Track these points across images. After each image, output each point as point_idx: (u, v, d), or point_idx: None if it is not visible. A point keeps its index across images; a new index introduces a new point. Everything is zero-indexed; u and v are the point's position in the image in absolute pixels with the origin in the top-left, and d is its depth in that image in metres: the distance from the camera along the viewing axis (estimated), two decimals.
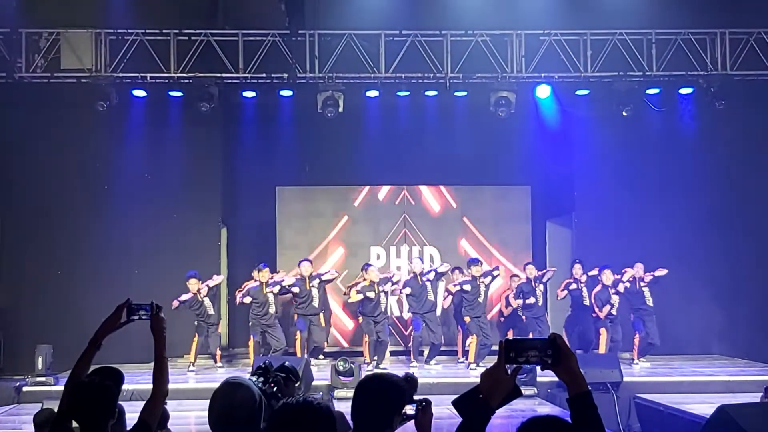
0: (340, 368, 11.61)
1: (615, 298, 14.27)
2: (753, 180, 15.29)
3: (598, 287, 14.34)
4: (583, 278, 14.70)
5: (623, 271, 14.47)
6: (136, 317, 4.14)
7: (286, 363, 4.81)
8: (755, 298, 14.94)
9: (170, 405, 5.75)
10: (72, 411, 4.02)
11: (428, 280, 14.51)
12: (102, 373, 4.55)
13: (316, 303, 14.37)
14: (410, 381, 3.91)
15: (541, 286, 14.84)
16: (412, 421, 3.45)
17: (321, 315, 14.57)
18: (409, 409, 3.42)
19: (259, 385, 4.10)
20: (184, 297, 13.93)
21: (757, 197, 15.19)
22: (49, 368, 12.47)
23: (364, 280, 14.25)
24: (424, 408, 3.47)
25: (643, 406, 11.58)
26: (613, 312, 14.25)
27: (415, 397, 3.51)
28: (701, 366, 14.30)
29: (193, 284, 14.03)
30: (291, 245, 16.20)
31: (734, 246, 15.36)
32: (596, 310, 14.26)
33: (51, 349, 12.55)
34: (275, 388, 4.22)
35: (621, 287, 14.32)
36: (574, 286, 14.72)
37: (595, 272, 14.55)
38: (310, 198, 16.45)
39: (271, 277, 14.34)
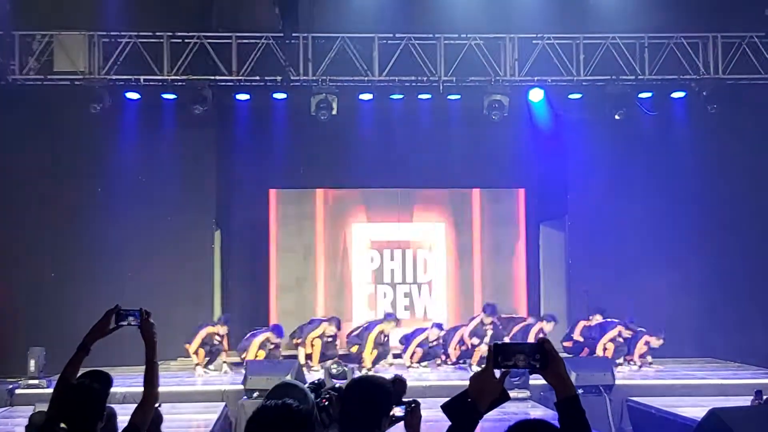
0: (334, 371, 11.61)
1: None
2: (745, 182, 15.35)
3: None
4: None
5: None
6: (125, 323, 4.15)
7: (337, 384, 4.85)
8: (747, 301, 14.99)
9: (164, 408, 5.76)
10: (61, 413, 4.05)
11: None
12: (91, 376, 4.57)
13: None
14: (399, 383, 3.94)
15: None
16: (402, 422, 3.47)
17: None
18: (398, 411, 3.43)
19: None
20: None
21: (749, 200, 15.25)
22: (42, 371, 12.45)
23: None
24: (413, 409, 3.50)
25: (636, 408, 11.61)
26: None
27: (404, 399, 3.53)
28: (693, 369, 14.34)
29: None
30: (284, 247, 16.21)
31: (727, 248, 15.40)
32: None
33: (44, 352, 12.53)
34: (326, 403, 4.25)
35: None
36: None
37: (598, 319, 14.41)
38: (303, 200, 16.46)
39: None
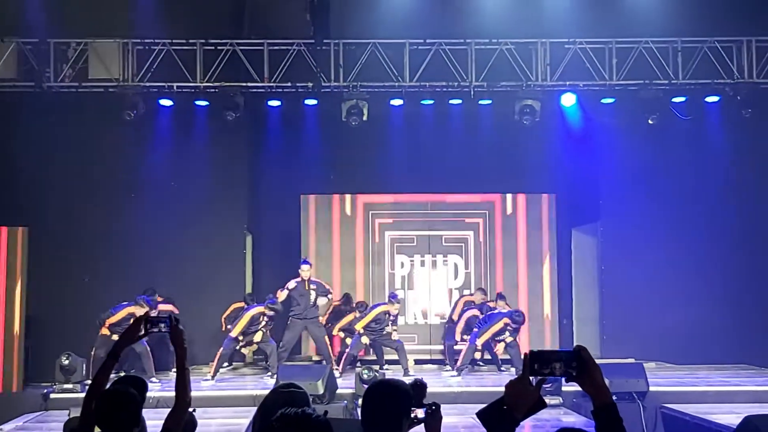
0: (365, 377, 11.61)
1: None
2: None
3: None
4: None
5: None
6: (155, 330, 4.17)
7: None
8: None
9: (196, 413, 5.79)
10: (98, 419, 4.09)
11: None
12: (126, 382, 4.62)
13: None
14: (419, 386, 4.01)
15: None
16: (422, 424, 3.53)
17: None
18: (420, 413, 3.50)
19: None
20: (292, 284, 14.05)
21: None
22: (75, 374, 12.52)
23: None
24: (434, 411, 3.56)
25: (670, 415, 11.51)
26: None
27: (425, 402, 3.59)
28: (728, 376, 14.18)
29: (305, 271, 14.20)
30: (315, 253, 16.24)
31: (763, 253, 15.21)
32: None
33: (77, 357, 12.63)
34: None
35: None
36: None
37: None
38: (334, 206, 16.49)
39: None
